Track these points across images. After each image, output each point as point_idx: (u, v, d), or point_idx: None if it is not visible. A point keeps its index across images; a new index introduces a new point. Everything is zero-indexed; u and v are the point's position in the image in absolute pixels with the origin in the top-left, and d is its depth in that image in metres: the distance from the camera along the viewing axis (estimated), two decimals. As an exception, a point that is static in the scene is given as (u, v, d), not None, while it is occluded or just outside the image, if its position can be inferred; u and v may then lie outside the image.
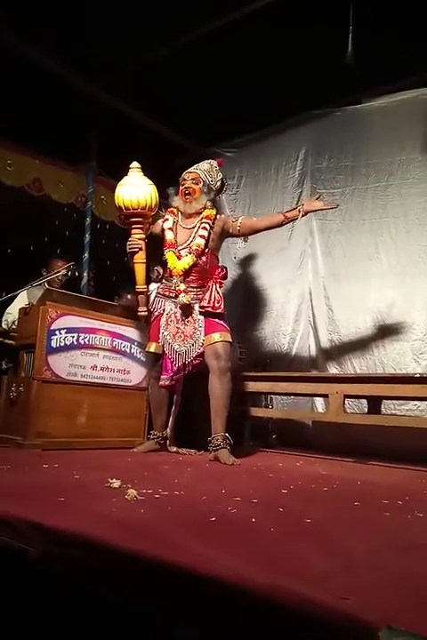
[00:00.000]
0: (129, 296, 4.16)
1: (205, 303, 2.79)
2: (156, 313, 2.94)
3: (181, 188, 2.99)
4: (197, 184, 2.95)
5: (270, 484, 1.95)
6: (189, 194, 2.94)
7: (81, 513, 1.26)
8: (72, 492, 1.55)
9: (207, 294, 2.80)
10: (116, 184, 2.98)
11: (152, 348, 2.93)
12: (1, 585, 1.15)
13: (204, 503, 1.49)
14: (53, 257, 3.80)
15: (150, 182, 2.91)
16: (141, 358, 3.25)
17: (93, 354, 3.01)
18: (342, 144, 3.97)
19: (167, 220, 3.01)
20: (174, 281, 2.84)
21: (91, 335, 3.01)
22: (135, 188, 2.85)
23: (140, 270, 2.89)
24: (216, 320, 2.82)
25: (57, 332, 2.86)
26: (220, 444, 2.60)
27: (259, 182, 4.43)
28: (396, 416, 3.29)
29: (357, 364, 3.67)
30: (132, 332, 3.24)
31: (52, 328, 2.84)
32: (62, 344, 2.87)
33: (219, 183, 3.04)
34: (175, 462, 2.47)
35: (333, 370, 3.75)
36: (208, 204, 2.94)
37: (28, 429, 2.67)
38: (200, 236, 2.89)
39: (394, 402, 3.37)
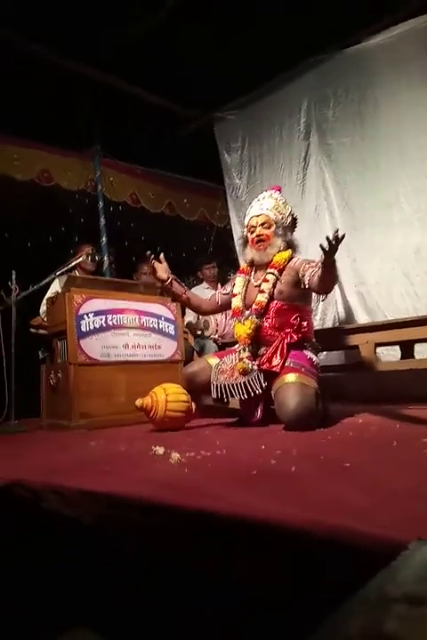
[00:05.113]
0: (146, 267, 4.21)
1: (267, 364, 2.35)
2: None
3: (250, 236, 2.57)
4: (270, 228, 2.51)
5: (308, 437, 1.97)
6: (261, 240, 2.51)
7: (128, 478, 1.32)
8: (119, 461, 1.62)
9: (270, 352, 2.37)
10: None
11: None
12: (56, 552, 1.23)
13: (245, 459, 1.54)
14: (81, 243, 3.84)
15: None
16: (170, 332, 3.32)
17: (123, 333, 3.09)
18: (347, 90, 3.83)
19: (235, 284, 2.64)
20: (238, 349, 2.45)
21: (118, 315, 3.08)
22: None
23: None
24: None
25: (85, 317, 2.94)
26: None
27: (263, 141, 4.35)
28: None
29: (388, 313, 3.59)
30: (157, 308, 3.30)
31: (79, 313, 2.92)
32: (92, 327, 2.96)
33: (290, 218, 2.58)
34: (217, 428, 2.53)
35: (364, 321, 3.69)
36: (282, 245, 2.52)
37: (72, 412, 2.79)
38: (261, 291, 2.47)
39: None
